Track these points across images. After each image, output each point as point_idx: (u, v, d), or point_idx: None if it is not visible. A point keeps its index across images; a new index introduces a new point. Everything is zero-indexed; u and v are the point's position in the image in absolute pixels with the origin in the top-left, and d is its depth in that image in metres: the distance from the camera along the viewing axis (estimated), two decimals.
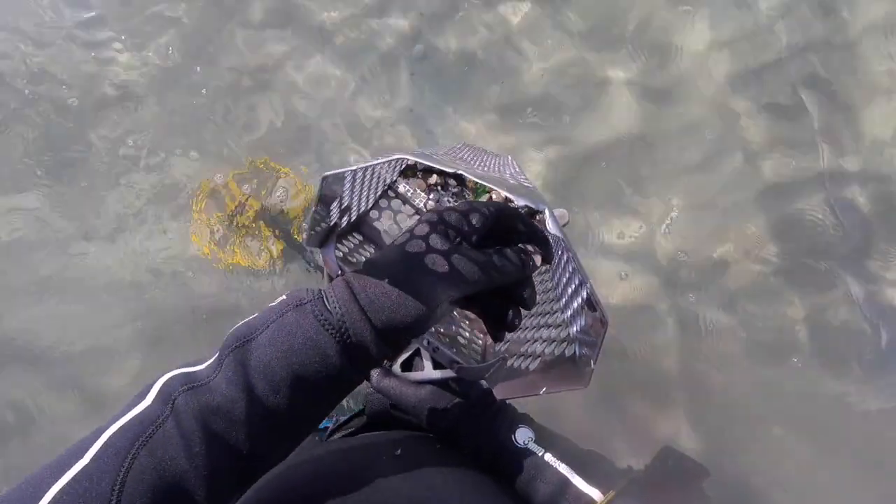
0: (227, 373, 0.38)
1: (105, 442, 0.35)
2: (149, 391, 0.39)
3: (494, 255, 0.42)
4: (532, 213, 0.66)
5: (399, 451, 0.52)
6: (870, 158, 1.60)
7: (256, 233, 1.72)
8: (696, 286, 1.62)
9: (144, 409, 0.37)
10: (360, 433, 0.66)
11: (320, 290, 0.41)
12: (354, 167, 0.50)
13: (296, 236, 1.73)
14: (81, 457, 0.35)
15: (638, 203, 1.65)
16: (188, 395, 0.38)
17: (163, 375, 0.40)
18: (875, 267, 1.56)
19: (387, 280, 0.40)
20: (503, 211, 0.45)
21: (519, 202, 0.45)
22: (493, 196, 0.66)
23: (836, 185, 1.60)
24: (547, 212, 0.43)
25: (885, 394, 1.52)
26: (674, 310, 1.61)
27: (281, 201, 1.72)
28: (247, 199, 1.71)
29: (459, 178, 0.68)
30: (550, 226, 0.42)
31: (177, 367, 0.41)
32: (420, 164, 0.67)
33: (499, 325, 0.46)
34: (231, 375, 0.38)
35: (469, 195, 0.67)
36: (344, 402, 1.02)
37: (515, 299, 0.45)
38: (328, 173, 0.50)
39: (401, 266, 0.40)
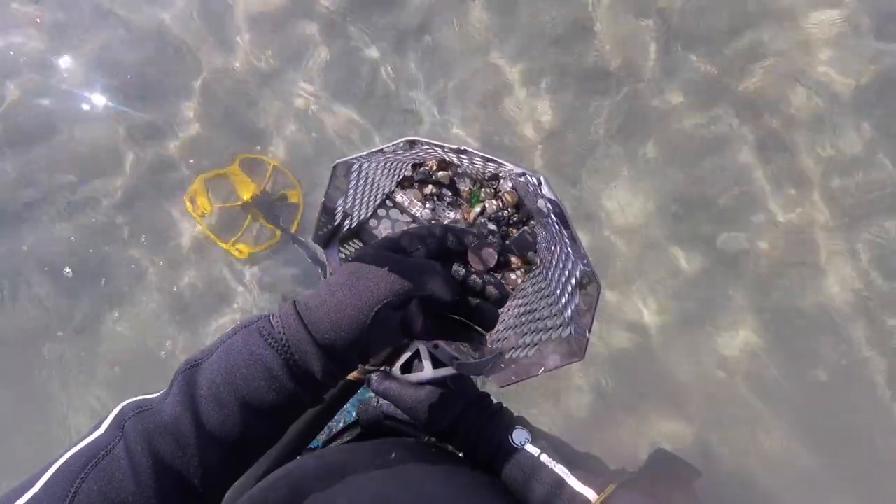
0: (174, 394, 0.40)
1: (56, 469, 0.36)
2: (105, 420, 0.40)
3: (427, 264, 0.44)
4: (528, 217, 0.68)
5: (392, 457, 0.53)
6: None
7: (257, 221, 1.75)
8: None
9: (98, 436, 0.38)
10: (354, 442, 0.67)
11: (271, 312, 0.43)
12: (364, 152, 0.51)
13: (293, 229, 1.75)
14: (33, 485, 0.36)
15: None
16: (137, 419, 0.39)
17: (120, 404, 0.41)
18: None
19: (331, 296, 0.42)
20: (450, 229, 0.47)
21: (516, 170, 0.47)
22: (486, 205, 0.68)
23: None
24: (542, 179, 0.44)
25: None
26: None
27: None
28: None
29: (454, 188, 0.70)
30: (546, 191, 0.44)
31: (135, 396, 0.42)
32: (417, 174, 0.69)
33: (471, 334, 0.49)
34: (178, 395, 0.39)
35: (464, 204, 0.69)
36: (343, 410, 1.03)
37: (470, 317, 0.48)
38: (339, 161, 0.52)
39: (343, 280, 0.43)
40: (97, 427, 0.39)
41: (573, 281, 0.47)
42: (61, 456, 0.37)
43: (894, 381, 1.55)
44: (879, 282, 1.57)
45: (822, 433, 1.54)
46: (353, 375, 0.62)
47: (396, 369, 0.57)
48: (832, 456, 1.53)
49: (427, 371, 0.57)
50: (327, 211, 0.57)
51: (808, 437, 1.55)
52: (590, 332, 0.44)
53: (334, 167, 0.53)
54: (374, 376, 0.57)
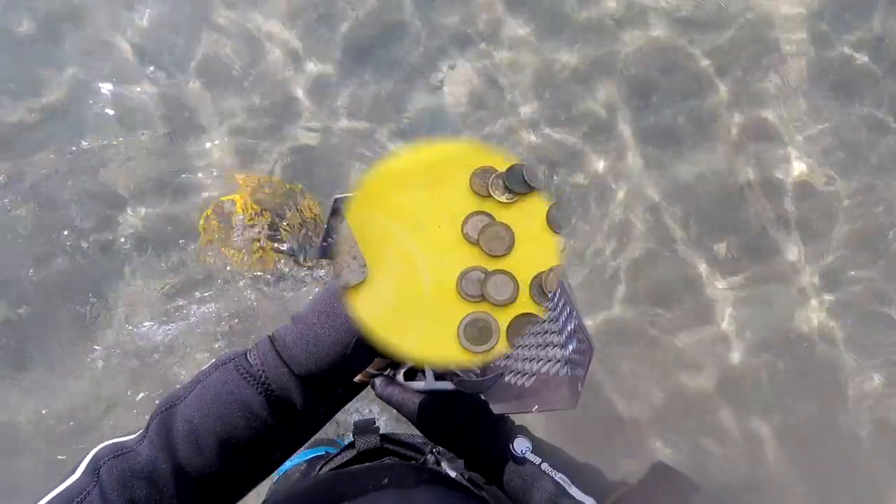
0: (150, 437, 0.39)
1: None
2: (80, 464, 0.40)
3: None
4: None
5: (386, 481, 0.53)
6: None
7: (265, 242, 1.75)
8: None
9: (73, 481, 0.38)
10: (350, 465, 0.67)
11: (246, 349, 0.43)
12: None
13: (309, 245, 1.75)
14: None
15: None
16: (112, 464, 0.38)
17: (95, 447, 0.41)
18: None
19: (309, 330, 0.41)
20: None
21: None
22: None
23: None
24: None
25: None
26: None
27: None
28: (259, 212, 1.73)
29: None
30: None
31: (111, 439, 0.42)
32: None
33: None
34: (154, 438, 0.39)
35: None
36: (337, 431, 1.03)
37: None
38: (339, 196, 0.52)
39: (319, 312, 0.42)
40: (72, 472, 0.39)
41: (572, 324, 0.47)
42: (37, 502, 0.37)
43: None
44: None
45: (824, 445, 1.54)
46: (358, 378, 0.62)
47: (400, 375, 0.58)
48: (834, 469, 1.52)
49: (430, 380, 0.57)
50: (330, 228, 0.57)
51: (810, 449, 1.54)
52: (583, 386, 0.44)
53: (335, 200, 0.53)
54: (377, 380, 0.57)
